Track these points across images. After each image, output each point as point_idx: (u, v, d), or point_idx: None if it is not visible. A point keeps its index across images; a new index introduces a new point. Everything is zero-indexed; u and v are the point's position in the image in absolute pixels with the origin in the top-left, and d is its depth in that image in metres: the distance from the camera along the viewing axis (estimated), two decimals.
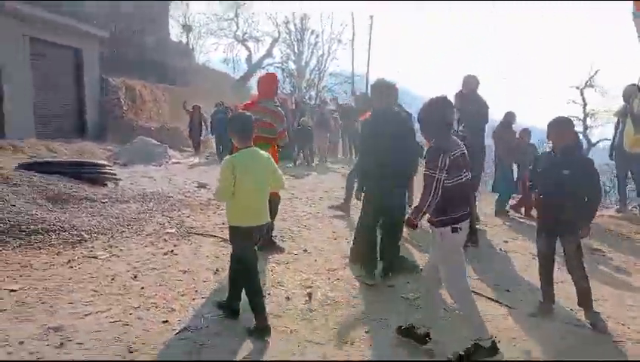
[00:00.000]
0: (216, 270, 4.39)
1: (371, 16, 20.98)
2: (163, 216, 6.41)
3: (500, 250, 5.77)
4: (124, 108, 16.14)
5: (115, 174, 8.57)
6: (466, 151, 3.15)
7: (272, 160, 3.54)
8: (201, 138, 15.31)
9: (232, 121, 3.42)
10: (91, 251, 4.88)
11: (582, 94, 29.22)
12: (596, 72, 29.37)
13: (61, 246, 4.97)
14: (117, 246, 5.05)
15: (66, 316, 3.37)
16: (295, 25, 36.13)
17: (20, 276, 4.11)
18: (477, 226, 5.89)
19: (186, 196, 7.72)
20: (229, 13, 34.68)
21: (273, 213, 4.50)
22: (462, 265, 3.16)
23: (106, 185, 8.17)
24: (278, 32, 35.51)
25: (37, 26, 12.87)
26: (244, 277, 3.35)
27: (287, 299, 3.86)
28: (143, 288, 3.94)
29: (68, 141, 13.44)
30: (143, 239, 5.34)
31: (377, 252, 4.52)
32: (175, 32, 31.50)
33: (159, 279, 4.16)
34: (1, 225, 5.16)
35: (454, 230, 3.02)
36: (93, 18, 15.85)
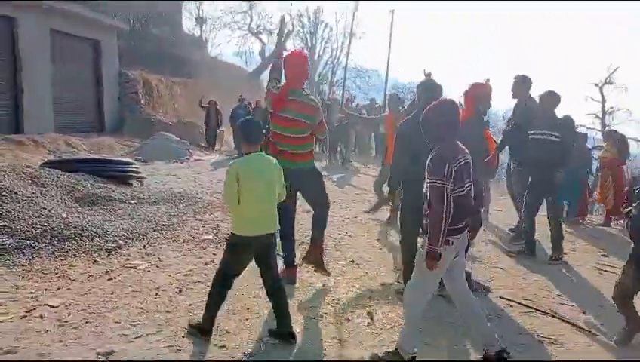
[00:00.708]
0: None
1: (392, 11, 20.34)
2: (196, 219, 6.15)
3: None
4: (142, 102, 15.87)
5: (139, 172, 8.32)
6: (470, 159, 2.84)
7: (279, 167, 3.26)
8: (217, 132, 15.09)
9: (241, 128, 3.21)
10: (128, 259, 4.62)
11: (601, 91, 28.68)
12: (616, 68, 28.83)
13: (96, 253, 4.72)
14: (154, 255, 4.79)
15: (115, 339, 3.10)
16: (309, 18, 35.80)
17: (59, 289, 3.85)
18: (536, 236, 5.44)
19: (215, 197, 7.44)
20: (243, 5, 34.34)
21: (320, 224, 4.16)
22: (433, 284, 2.90)
23: (130, 183, 7.94)
24: (292, 24, 35.14)
25: (57, 17, 12.62)
26: (214, 283, 3.18)
27: (348, 320, 3.57)
28: (190, 305, 3.67)
29: (86, 136, 13.25)
30: (180, 246, 5.08)
31: None
32: (188, 25, 31.22)
33: (205, 294, 3.86)
34: (33, 230, 4.92)
35: (445, 242, 2.70)
36: (108, 9, 15.60)
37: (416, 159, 3.92)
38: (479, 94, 4.09)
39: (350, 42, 24.71)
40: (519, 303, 3.82)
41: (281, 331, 3.18)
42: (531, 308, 3.81)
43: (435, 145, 2.80)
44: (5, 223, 4.89)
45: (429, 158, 2.76)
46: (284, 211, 3.96)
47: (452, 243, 2.76)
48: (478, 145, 3.90)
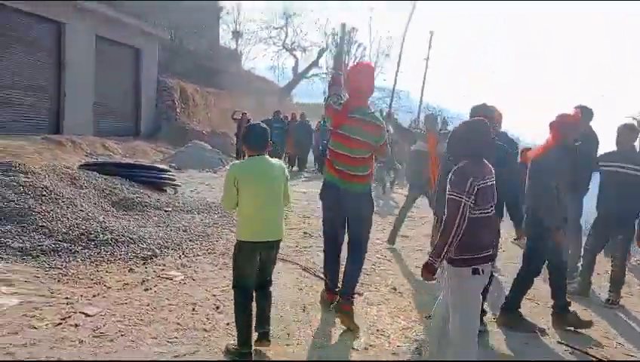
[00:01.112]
0: (305, 307, 3.91)
1: (432, 32, 20.17)
2: (231, 232, 6.00)
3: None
4: (178, 110, 16.04)
5: (174, 180, 8.28)
6: (495, 182, 2.65)
7: (286, 170, 3.13)
8: None
9: (247, 133, 3.04)
10: (164, 269, 4.49)
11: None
12: None
13: (132, 260, 4.61)
14: (190, 266, 4.65)
15: (150, 355, 2.94)
16: (343, 36, 35.91)
17: (94, 296, 3.73)
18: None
19: None
20: (279, 21, 34.65)
21: (354, 273, 3.68)
22: (477, 315, 2.67)
23: (164, 190, 7.89)
24: (327, 42, 35.31)
25: (103, 23, 12.89)
26: (234, 299, 3.02)
27: (394, 354, 3.33)
28: (228, 324, 3.47)
29: (122, 140, 13.41)
30: (216, 259, 4.93)
31: None
32: (224, 37, 31.64)
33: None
34: (70, 233, 4.85)
35: (475, 271, 2.53)
36: (150, 18, 15.88)
37: None
38: (566, 124, 3.80)
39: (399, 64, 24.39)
40: (582, 351, 3.51)
41: (257, 330, 3.05)
42: (594, 357, 3.50)
43: (460, 161, 2.64)
44: (44, 223, 4.84)
45: (451, 172, 2.61)
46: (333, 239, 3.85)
47: (483, 272, 2.58)
48: (564, 176, 3.66)
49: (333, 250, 3.86)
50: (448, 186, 2.56)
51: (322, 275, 4.14)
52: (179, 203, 7.11)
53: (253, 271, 3.01)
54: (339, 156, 3.65)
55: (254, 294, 3.06)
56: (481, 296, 2.75)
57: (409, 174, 7.13)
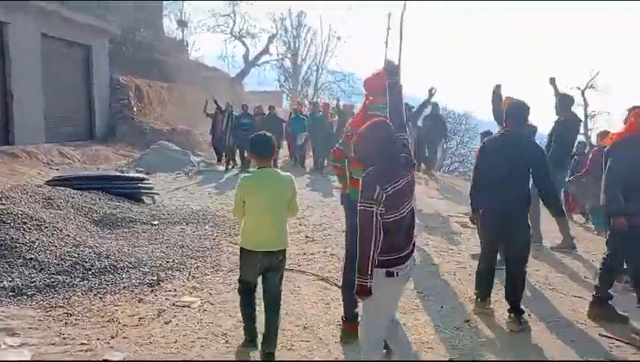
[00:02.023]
0: (339, 322, 3.70)
1: (389, 14, 19.78)
2: (230, 243, 5.69)
3: None
4: (135, 109, 15.19)
5: (152, 188, 7.81)
6: (411, 178, 2.59)
7: (294, 184, 3.16)
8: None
9: (253, 142, 3.11)
10: (176, 296, 4.16)
11: (583, 95, 29.12)
12: (597, 73, 29.35)
13: (137, 288, 4.24)
14: (202, 289, 4.33)
15: None
16: (291, 21, 35.33)
17: (112, 337, 3.38)
18: None
19: None
20: (226, 9, 33.55)
21: None
22: (385, 317, 2.63)
23: (142, 200, 7.41)
24: (276, 28, 34.62)
25: (48, 21, 11.92)
26: (240, 296, 3.26)
27: None
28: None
29: (79, 145, 12.57)
30: (227, 277, 4.62)
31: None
32: (168, 27, 30.23)
33: (277, 337, 3.45)
34: (63, 263, 4.42)
35: (389, 274, 2.49)
36: (93, 11, 14.83)
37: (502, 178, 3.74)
38: None
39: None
40: (627, 343, 3.52)
41: (262, 349, 3.10)
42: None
43: (368, 167, 2.54)
44: (32, 256, 4.38)
45: (361, 178, 2.50)
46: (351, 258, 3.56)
47: (397, 275, 2.51)
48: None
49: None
50: (360, 195, 2.45)
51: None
52: (163, 214, 6.69)
53: (255, 276, 3.15)
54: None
55: (265, 311, 3.15)
56: (396, 299, 2.70)
57: None
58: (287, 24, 35.72)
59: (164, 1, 27.93)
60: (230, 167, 11.68)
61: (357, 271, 2.43)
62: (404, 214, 2.52)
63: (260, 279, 3.20)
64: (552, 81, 6.35)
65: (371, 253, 2.39)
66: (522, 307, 3.80)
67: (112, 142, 13.89)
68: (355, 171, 3.30)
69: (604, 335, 3.62)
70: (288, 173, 3.21)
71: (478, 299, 4.06)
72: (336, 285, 4.46)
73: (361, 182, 2.48)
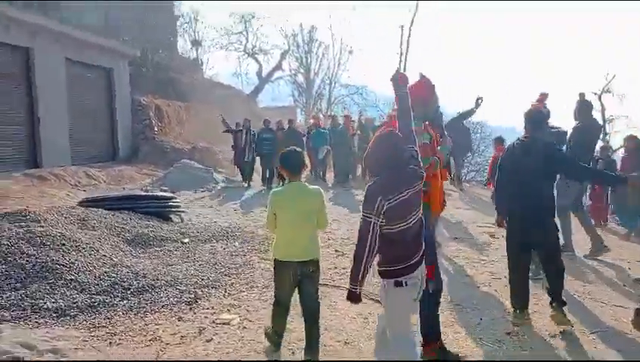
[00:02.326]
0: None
1: (401, 26, 19.81)
2: (262, 259, 5.72)
3: None
4: (156, 129, 15.45)
5: (179, 206, 7.90)
6: (419, 187, 2.61)
7: (322, 197, 3.27)
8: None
9: (284, 158, 3.26)
10: (215, 313, 4.18)
11: (600, 100, 28.78)
12: (614, 76, 29.02)
13: (176, 306, 4.28)
14: (240, 306, 4.35)
15: None
16: (303, 37, 35.62)
17: (156, 356, 3.41)
18: None
19: (268, 232, 7.02)
20: (238, 26, 34.01)
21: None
22: (406, 325, 2.68)
23: (170, 218, 7.51)
24: (288, 44, 34.97)
25: (70, 45, 12.25)
26: (273, 311, 3.44)
27: None
28: None
29: (103, 166, 12.79)
30: (262, 293, 4.64)
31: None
32: (183, 47, 30.70)
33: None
34: (102, 283, 4.49)
35: (397, 284, 2.55)
36: (111, 35, 15.19)
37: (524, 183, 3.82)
38: None
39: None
40: None
41: (306, 358, 3.25)
42: None
43: (374, 176, 2.64)
44: (72, 277, 4.46)
45: (365, 189, 2.60)
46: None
47: (406, 284, 2.56)
48: None
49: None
50: (362, 205, 2.57)
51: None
52: (192, 232, 6.76)
53: (289, 289, 3.27)
54: None
55: (305, 324, 3.32)
56: (412, 305, 2.70)
57: None
58: (299, 40, 36.05)
59: (177, 21, 28.49)
60: (248, 183, 11.72)
61: (350, 277, 2.54)
62: (411, 224, 2.57)
63: (297, 295, 3.32)
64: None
65: (364, 262, 2.49)
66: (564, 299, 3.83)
67: (135, 162, 14.12)
68: None
69: None
70: (317, 187, 3.34)
71: (517, 311, 4.02)
72: (372, 299, 4.46)
73: (366, 190, 2.58)
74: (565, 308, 3.82)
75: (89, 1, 15.92)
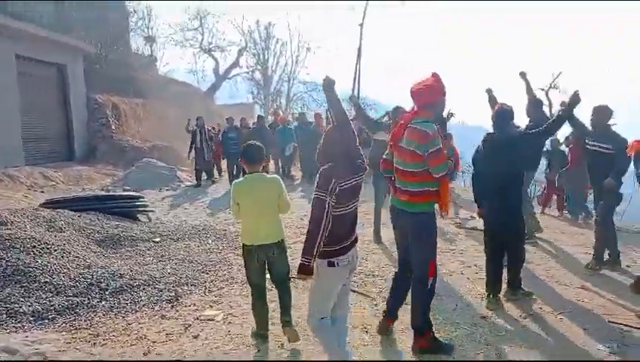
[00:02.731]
0: (366, 329, 3.81)
1: (360, 25, 20.00)
2: (236, 255, 5.72)
3: None
4: (113, 127, 15.01)
5: (147, 206, 7.78)
6: (361, 180, 2.87)
7: (280, 184, 3.47)
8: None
9: (244, 151, 3.50)
10: (197, 310, 4.19)
11: (547, 95, 30.16)
12: (560, 73, 30.44)
13: (157, 305, 4.26)
14: (222, 302, 4.38)
15: None
16: (260, 34, 35.34)
17: (145, 354, 3.40)
18: None
19: (239, 228, 7.00)
20: (194, 22, 33.34)
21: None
22: (328, 306, 2.90)
23: (138, 218, 7.38)
24: (245, 41, 34.59)
25: (21, 41, 11.71)
26: (251, 294, 3.64)
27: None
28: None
29: (60, 166, 12.34)
30: (244, 289, 4.64)
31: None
32: (136, 43, 29.79)
33: (306, 341, 3.54)
34: (78, 285, 4.41)
35: (330, 264, 2.77)
36: (64, 30, 14.59)
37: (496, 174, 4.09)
38: None
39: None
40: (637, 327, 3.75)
41: (282, 318, 3.57)
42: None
43: (327, 163, 2.82)
44: (47, 279, 4.35)
45: (317, 174, 2.79)
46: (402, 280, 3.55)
47: (337, 265, 2.78)
48: None
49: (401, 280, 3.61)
50: (315, 187, 2.73)
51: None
52: (164, 231, 6.68)
53: (259, 270, 3.49)
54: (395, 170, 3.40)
55: (278, 296, 3.62)
56: (337, 287, 2.87)
57: (372, 163, 6.71)
58: (256, 36, 35.71)
59: (131, 18, 27.63)
60: (205, 179, 11.46)
61: (303, 251, 2.68)
62: (351, 209, 2.84)
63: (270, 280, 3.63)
64: (523, 75, 6.39)
65: (319, 238, 2.64)
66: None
67: (93, 162, 13.69)
68: (399, 181, 3.32)
69: (614, 322, 3.85)
70: (274, 175, 3.63)
71: (491, 296, 4.25)
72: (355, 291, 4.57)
73: (319, 174, 2.75)
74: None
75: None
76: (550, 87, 30.62)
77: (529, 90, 6.42)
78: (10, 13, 12.27)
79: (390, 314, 3.65)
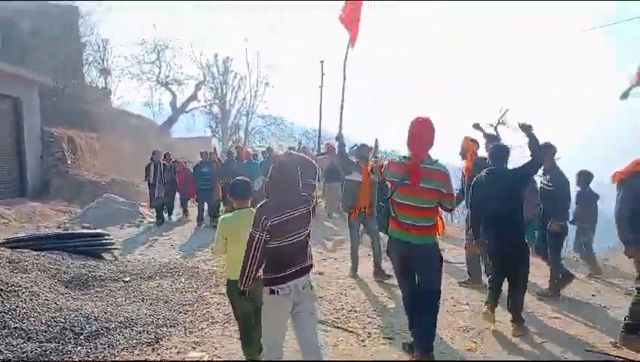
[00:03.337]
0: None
1: (322, 62, 19.95)
2: (213, 293, 5.61)
3: None
4: (69, 161, 14.49)
5: (113, 243, 7.51)
6: (306, 211, 3.01)
7: None
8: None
9: (234, 186, 3.61)
10: (180, 352, 4.05)
11: (496, 130, 31.66)
12: (506, 110, 32.13)
13: (136, 348, 4.09)
14: (205, 343, 4.25)
15: None
16: (218, 68, 35.43)
17: None
18: None
19: (212, 266, 6.87)
20: (151, 56, 33.06)
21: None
22: (277, 335, 3.03)
23: (102, 257, 7.11)
24: (203, 74, 34.58)
25: None
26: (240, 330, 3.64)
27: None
28: None
29: (11, 203, 11.74)
30: (226, 329, 4.55)
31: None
32: (90, 75, 29.10)
33: None
34: (51, 329, 4.18)
35: (271, 291, 2.96)
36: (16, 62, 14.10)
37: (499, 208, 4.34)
38: None
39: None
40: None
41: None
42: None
43: (267, 196, 3.03)
44: (17, 324, 4.09)
45: (258, 206, 2.99)
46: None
47: (277, 293, 2.94)
48: None
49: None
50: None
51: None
52: (132, 270, 6.45)
53: (248, 303, 3.36)
54: (405, 207, 3.61)
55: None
56: (283, 317, 2.99)
57: (345, 204, 6.92)
58: (214, 70, 35.77)
59: (85, 49, 27.09)
60: (163, 219, 10.67)
61: (239, 276, 2.94)
62: (293, 241, 2.95)
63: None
64: (477, 126, 6.44)
65: (248, 267, 2.88)
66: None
67: (47, 198, 13.10)
68: (410, 218, 3.60)
69: (591, 350, 4.02)
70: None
71: (489, 311, 4.57)
72: (336, 327, 4.57)
73: (257, 208, 2.95)
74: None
75: None
76: (498, 123, 32.29)
77: (485, 135, 6.77)
78: None
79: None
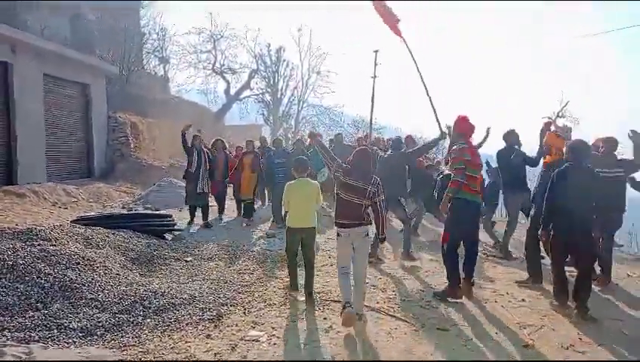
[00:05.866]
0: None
1: (376, 51, 19.91)
2: (268, 276, 5.81)
3: None
4: (132, 146, 15.22)
5: (175, 224, 7.88)
6: (367, 188, 4.36)
7: (318, 187, 5.06)
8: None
9: (295, 162, 5.10)
10: (240, 330, 4.24)
11: (555, 124, 30.32)
12: (567, 102, 30.74)
13: (200, 325, 4.31)
14: (263, 323, 4.42)
15: None
16: (270, 57, 35.82)
17: None
18: None
19: (268, 249, 7.10)
20: (207, 45, 33.89)
21: (473, 261, 5.24)
22: (342, 259, 4.61)
23: (164, 237, 7.48)
24: (257, 64, 35.10)
25: (49, 61, 12.02)
26: (288, 260, 5.26)
27: None
28: None
29: (79, 183, 12.49)
30: (283, 312, 4.71)
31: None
32: (150, 64, 30.23)
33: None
34: (123, 302, 4.49)
35: (337, 234, 4.56)
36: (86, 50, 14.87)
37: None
38: None
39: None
40: None
41: (305, 290, 5.03)
42: None
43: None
44: (93, 296, 4.43)
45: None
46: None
47: (339, 236, 4.45)
48: None
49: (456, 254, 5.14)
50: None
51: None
52: (194, 251, 6.77)
53: (296, 244, 5.03)
54: (474, 179, 5.05)
55: (305, 269, 5.06)
56: (345, 249, 4.52)
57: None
58: (267, 60, 36.21)
59: (144, 38, 28.13)
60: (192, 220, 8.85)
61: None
62: (350, 200, 4.35)
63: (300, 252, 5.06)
64: (549, 124, 6.57)
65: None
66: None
67: (112, 180, 13.84)
68: (472, 185, 5.05)
69: None
70: (315, 182, 5.16)
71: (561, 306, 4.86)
72: (389, 315, 4.64)
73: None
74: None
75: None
76: (558, 116, 30.97)
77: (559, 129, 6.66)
78: (17, 23, 12.45)
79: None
